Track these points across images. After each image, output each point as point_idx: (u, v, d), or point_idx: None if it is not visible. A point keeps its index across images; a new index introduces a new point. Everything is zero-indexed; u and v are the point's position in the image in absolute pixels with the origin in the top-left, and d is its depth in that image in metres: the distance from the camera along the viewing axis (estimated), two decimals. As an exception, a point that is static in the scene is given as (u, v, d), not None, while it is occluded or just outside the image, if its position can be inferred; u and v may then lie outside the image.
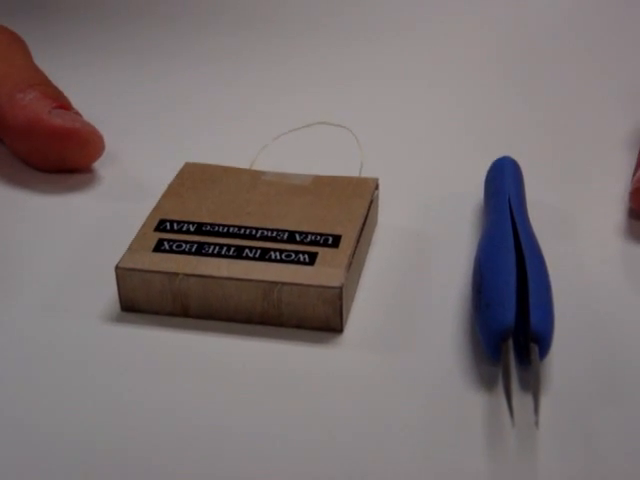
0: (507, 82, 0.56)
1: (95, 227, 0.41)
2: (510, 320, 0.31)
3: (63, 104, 0.45)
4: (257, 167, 0.42)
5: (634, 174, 0.41)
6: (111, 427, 0.30)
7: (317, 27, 0.63)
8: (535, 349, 0.31)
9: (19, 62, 0.48)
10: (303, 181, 0.39)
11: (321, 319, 0.34)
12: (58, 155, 0.44)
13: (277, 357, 0.33)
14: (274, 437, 0.29)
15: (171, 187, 0.39)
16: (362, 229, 0.36)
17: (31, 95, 0.45)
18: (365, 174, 0.42)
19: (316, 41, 0.61)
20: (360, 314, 0.35)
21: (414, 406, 0.31)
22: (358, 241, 0.36)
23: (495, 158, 0.42)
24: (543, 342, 0.31)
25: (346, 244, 0.35)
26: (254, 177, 0.40)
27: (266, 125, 0.47)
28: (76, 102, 0.47)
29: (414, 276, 0.37)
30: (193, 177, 0.40)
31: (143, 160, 0.47)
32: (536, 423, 0.29)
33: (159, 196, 0.39)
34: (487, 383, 0.31)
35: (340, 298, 0.33)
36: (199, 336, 0.34)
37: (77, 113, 0.46)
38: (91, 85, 0.55)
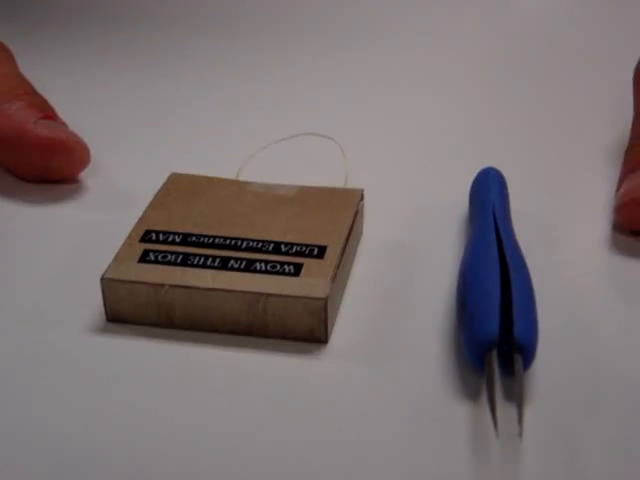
0: (492, 93, 0.56)
1: (80, 237, 0.41)
2: (494, 331, 0.31)
3: (48, 114, 0.45)
4: (243, 177, 0.42)
5: (618, 188, 0.42)
6: (96, 435, 0.30)
7: (304, 36, 0.63)
8: (519, 360, 0.31)
9: (4, 71, 0.48)
10: (288, 192, 0.40)
11: (306, 330, 0.34)
12: (43, 165, 0.44)
13: (262, 368, 0.33)
14: (259, 446, 0.29)
15: (157, 197, 0.39)
16: (347, 240, 0.36)
17: (16, 105, 0.45)
18: (350, 185, 0.42)
19: (302, 50, 0.62)
20: (345, 325, 0.35)
21: (398, 416, 0.31)
22: (343, 252, 0.36)
23: (480, 168, 0.42)
24: (527, 353, 0.31)
25: (331, 255, 0.35)
26: (240, 188, 0.40)
27: (252, 135, 0.48)
28: (61, 111, 0.47)
29: (399, 287, 0.37)
30: (179, 188, 0.40)
31: (128, 170, 0.47)
32: (519, 434, 0.29)
33: (145, 206, 0.39)
34: (472, 393, 0.31)
35: (325, 309, 0.33)
36: (184, 347, 0.34)
37: (62, 123, 0.46)
38: (76, 95, 0.55)
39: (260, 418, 0.31)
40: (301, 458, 0.29)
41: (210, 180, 0.41)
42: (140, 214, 0.38)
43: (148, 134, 0.51)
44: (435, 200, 0.44)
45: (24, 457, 0.29)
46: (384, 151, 0.49)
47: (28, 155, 0.44)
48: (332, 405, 0.31)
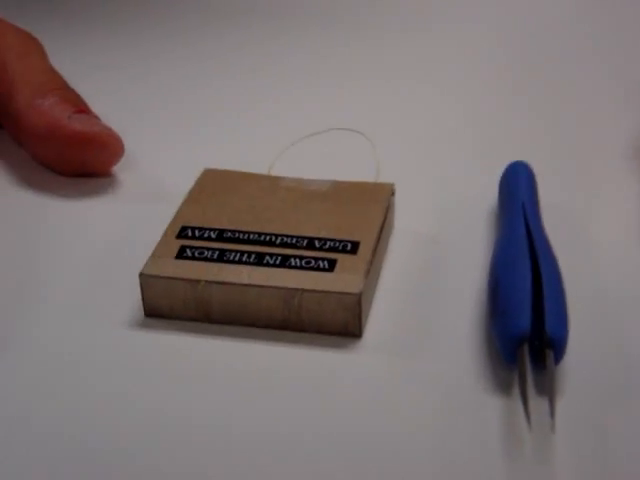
0: (520, 86, 0.56)
1: (116, 232, 0.42)
2: (525, 327, 0.32)
3: (82, 108, 0.46)
4: (275, 172, 0.43)
5: None
6: (133, 431, 0.31)
7: (331, 29, 0.64)
8: (550, 354, 0.31)
9: (37, 66, 0.49)
10: (320, 187, 0.40)
11: (340, 325, 0.34)
12: (78, 159, 0.45)
13: (298, 362, 0.34)
14: (295, 438, 0.30)
15: (191, 193, 0.40)
16: (379, 235, 0.37)
17: (50, 100, 0.46)
18: (381, 179, 0.43)
19: (330, 42, 0.62)
20: (378, 319, 0.36)
21: (431, 409, 0.31)
22: (376, 248, 0.36)
23: (509, 162, 0.43)
24: (558, 347, 0.32)
25: (364, 251, 0.36)
26: (273, 183, 0.41)
27: (283, 130, 0.48)
28: (94, 105, 0.47)
29: (430, 281, 0.38)
30: (212, 183, 0.41)
31: (161, 164, 0.47)
32: (552, 427, 0.29)
33: (179, 200, 0.40)
34: (504, 387, 0.32)
35: (359, 304, 0.34)
36: (221, 341, 0.35)
37: (96, 117, 0.46)
38: (109, 88, 0.56)
39: (296, 410, 0.31)
40: (334, 448, 0.30)
41: (243, 175, 0.41)
42: (174, 208, 0.39)
43: (180, 128, 0.51)
44: (465, 193, 0.44)
45: (63, 448, 0.30)
46: (414, 144, 0.49)
47: (63, 150, 0.45)
48: (366, 397, 0.32)
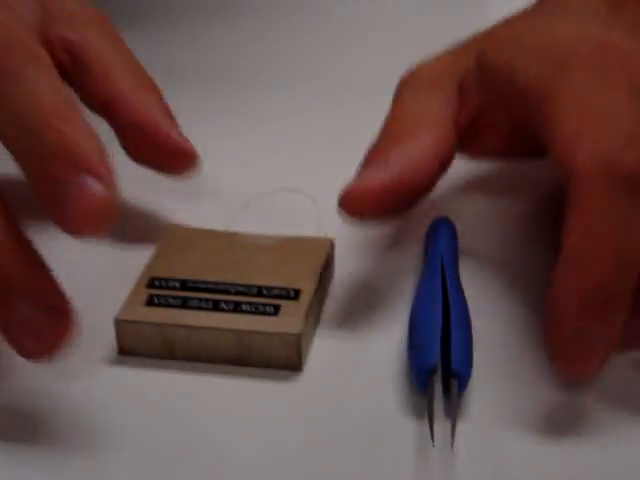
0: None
1: (91, 278, 0.47)
2: (433, 360, 0.38)
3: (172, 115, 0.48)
4: (233, 227, 0.50)
5: None
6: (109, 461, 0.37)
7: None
8: (455, 384, 0.38)
9: (123, 48, 0.49)
10: (269, 241, 0.47)
11: (284, 360, 0.41)
12: (158, 163, 0.48)
13: (248, 392, 0.40)
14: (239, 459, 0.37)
15: (159, 248, 0.46)
16: (318, 284, 0.44)
17: (152, 99, 0.47)
18: (324, 233, 0.49)
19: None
20: (317, 356, 0.42)
21: (352, 429, 0.38)
22: (314, 294, 0.43)
23: (435, 217, 0.50)
24: (461, 379, 0.38)
25: (304, 297, 0.43)
26: (229, 239, 0.47)
27: (241, 188, 0.55)
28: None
29: (363, 322, 0.45)
30: (177, 238, 0.47)
31: (130, 219, 0.53)
32: (451, 445, 0.36)
33: (147, 250, 0.46)
34: (417, 412, 0.39)
35: (299, 343, 0.41)
36: (183, 376, 0.41)
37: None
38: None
39: (243, 431, 0.38)
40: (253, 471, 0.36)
41: (205, 232, 0.48)
42: (144, 257, 0.45)
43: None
44: (400, 245, 0.51)
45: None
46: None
47: (153, 151, 0.47)
48: (300, 422, 0.38)
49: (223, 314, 0.42)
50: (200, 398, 0.40)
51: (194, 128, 0.49)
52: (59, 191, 0.35)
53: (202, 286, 0.44)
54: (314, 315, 0.43)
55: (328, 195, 0.53)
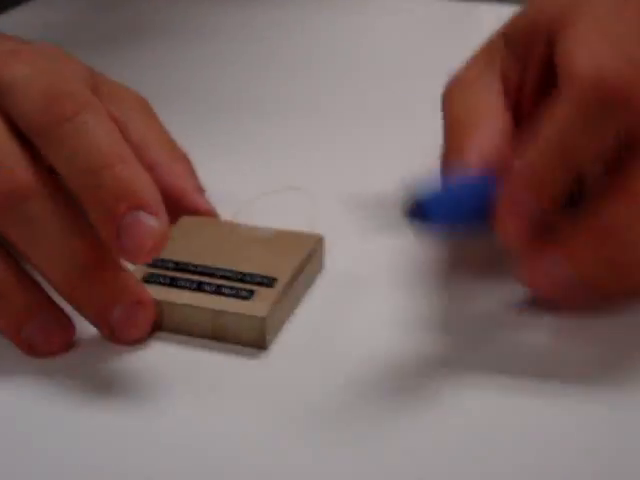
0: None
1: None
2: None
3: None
4: (241, 218, 0.55)
5: None
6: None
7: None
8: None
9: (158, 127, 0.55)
10: (266, 233, 0.52)
11: (252, 339, 0.47)
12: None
13: (217, 365, 0.46)
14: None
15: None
16: (295, 274, 0.49)
17: (180, 167, 0.54)
18: (319, 229, 0.54)
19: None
20: (284, 337, 0.48)
21: (302, 409, 0.43)
22: (289, 283, 0.48)
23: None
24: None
25: (278, 285, 0.48)
26: (231, 229, 0.53)
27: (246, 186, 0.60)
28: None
29: (337, 316, 0.49)
30: (185, 227, 0.53)
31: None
32: None
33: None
34: (363, 402, 0.44)
35: (264, 325, 0.46)
36: (166, 346, 0.47)
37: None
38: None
39: (206, 402, 0.44)
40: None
41: (209, 221, 0.54)
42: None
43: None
44: (392, 239, 0.55)
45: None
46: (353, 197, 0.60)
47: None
48: (262, 395, 0.44)
49: (204, 294, 0.48)
50: (174, 369, 0.46)
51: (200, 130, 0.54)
52: (117, 225, 0.42)
53: (192, 269, 0.49)
54: (288, 302, 0.49)
55: (328, 193, 0.59)
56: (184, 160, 0.55)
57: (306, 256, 0.51)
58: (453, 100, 0.50)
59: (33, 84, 0.45)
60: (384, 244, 0.55)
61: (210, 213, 0.55)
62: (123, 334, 0.46)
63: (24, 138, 0.45)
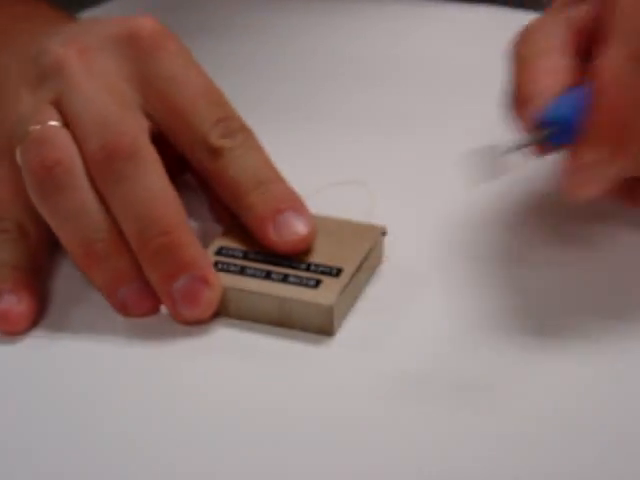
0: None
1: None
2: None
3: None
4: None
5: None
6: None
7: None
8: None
9: None
10: (332, 224, 0.53)
11: (318, 326, 0.48)
12: None
13: (285, 350, 0.47)
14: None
15: (233, 223, 0.53)
16: (359, 266, 0.50)
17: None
18: (379, 220, 0.55)
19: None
20: (350, 324, 0.49)
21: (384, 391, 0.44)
22: (355, 274, 0.50)
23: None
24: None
25: (344, 276, 0.49)
26: None
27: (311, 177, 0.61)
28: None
29: (398, 305, 0.50)
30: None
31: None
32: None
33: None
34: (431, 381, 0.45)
35: (331, 312, 0.47)
36: (237, 330, 0.49)
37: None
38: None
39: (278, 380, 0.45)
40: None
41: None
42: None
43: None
44: (457, 235, 0.56)
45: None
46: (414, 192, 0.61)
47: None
48: (332, 385, 0.45)
49: (272, 282, 0.49)
50: (243, 352, 0.47)
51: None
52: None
53: (260, 257, 0.51)
54: (352, 292, 0.50)
55: (386, 186, 0.59)
56: None
57: (370, 248, 0.52)
58: (519, 44, 0.51)
59: (190, 82, 0.50)
60: (442, 238, 0.56)
61: None
62: (181, 307, 0.48)
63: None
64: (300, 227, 0.49)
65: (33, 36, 0.55)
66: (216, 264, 0.50)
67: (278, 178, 0.51)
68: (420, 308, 0.50)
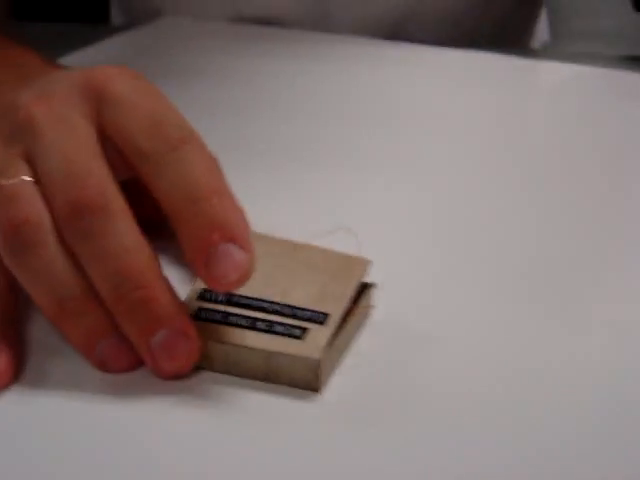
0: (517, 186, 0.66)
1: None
2: None
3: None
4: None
5: None
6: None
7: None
8: None
9: None
10: (315, 254, 0.51)
11: (305, 381, 0.46)
12: None
13: (268, 407, 0.46)
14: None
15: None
16: (347, 310, 0.48)
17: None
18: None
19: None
20: (338, 381, 0.47)
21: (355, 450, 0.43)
22: (340, 324, 0.47)
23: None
24: None
25: (331, 323, 0.47)
26: (284, 249, 0.52)
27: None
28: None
29: (393, 356, 0.49)
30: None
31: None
32: None
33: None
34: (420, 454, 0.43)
35: (319, 367, 0.46)
36: (219, 388, 0.47)
37: None
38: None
39: (260, 442, 0.43)
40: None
41: (259, 239, 0.52)
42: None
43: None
44: (451, 288, 0.54)
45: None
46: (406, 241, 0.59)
47: None
48: (313, 436, 0.44)
49: (257, 333, 0.47)
50: (225, 408, 0.45)
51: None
52: (207, 253, 0.45)
53: (245, 302, 0.49)
54: (340, 343, 0.48)
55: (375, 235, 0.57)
56: None
57: (357, 283, 0.50)
58: None
59: (140, 105, 0.47)
60: (434, 289, 0.54)
61: None
62: (161, 363, 0.46)
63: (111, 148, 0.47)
64: (234, 265, 0.45)
65: (11, 88, 0.55)
66: (199, 311, 0.49)
67: (218, 192, 0.46)
68: (410, 363, 0.48)
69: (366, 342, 0.50)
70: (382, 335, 0.50)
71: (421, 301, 0.53)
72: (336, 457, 0.43)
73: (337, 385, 0.47)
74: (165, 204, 0.46)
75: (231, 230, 0.45)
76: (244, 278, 0.45)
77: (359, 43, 0.90)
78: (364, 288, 0.51)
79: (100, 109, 0.48)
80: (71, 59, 0.78)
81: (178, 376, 0.47)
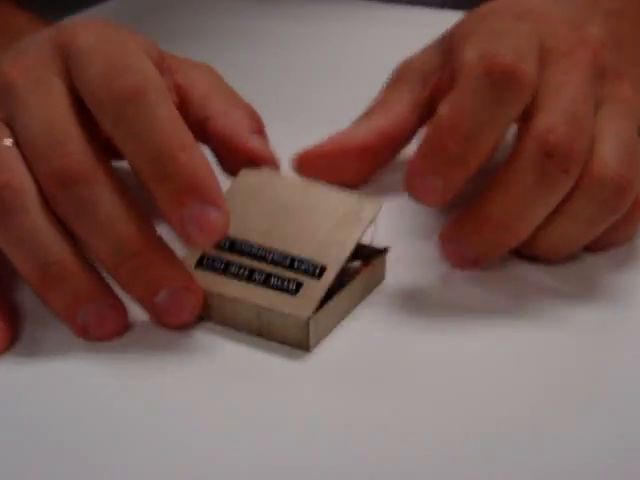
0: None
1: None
2: None
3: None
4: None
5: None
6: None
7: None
8: None
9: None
10: (325, 196, 0.50)
11: (295, 338, 0.46)
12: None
13: (257, 364, 0.46)
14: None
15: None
16: (346, 261, 0.47)
17: (242, 116, 0.53)
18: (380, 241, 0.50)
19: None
20: (329, 341, 0.46)
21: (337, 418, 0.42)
22: (344, 280, 0.46)
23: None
24: None
25: (326, 277, 0.46)
26: (295, 189, 0.50)
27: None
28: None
29: (393, 327, 0.47)
30: (245, 186, 0.50)
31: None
32: None
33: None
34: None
35: (307, 325, 0.45)
36: (213, 337, 0.47)
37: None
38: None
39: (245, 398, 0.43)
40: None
41: (270, 178, 0.51)
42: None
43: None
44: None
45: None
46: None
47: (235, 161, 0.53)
48: (301, 392, 0.44)
49: (253, 287, 0.47)
50: (215, 360, 0.46)
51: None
52: (180, 215, 0.44)
53: (245, 249, 0.48)
54: (338, 305, 0.47)
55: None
56: (247, 109, 0.54)
57: (362, 233, 0.48)
58: (388, 84, 0.59)
59: (98, 53, 0.46)
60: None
61: (267, 159, 0.52)
62: (166, 318, 0.47)
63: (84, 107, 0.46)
64: (207, 224, 0.45)
65: None
66: (201, 259, 0.48)
67: (182, 146, 0.45)
68: (411, 335, 0.47)
69: (372, 308, 0.49)
70: (389, 304, 0.49)
71: (436, 272, 0.52)
72: (318, 415, 0.43)
73: (330, 346, 0.46)
74: (132, 165, 0.45)
75: (200, 189, 0.44)
76: (218, 234, 0.45)
77: (354, 3, 0.90)
78: (377, 253, 0.50)
79: (69, 64, 0.47)
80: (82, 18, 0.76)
81: (183, 327, 0.47)
